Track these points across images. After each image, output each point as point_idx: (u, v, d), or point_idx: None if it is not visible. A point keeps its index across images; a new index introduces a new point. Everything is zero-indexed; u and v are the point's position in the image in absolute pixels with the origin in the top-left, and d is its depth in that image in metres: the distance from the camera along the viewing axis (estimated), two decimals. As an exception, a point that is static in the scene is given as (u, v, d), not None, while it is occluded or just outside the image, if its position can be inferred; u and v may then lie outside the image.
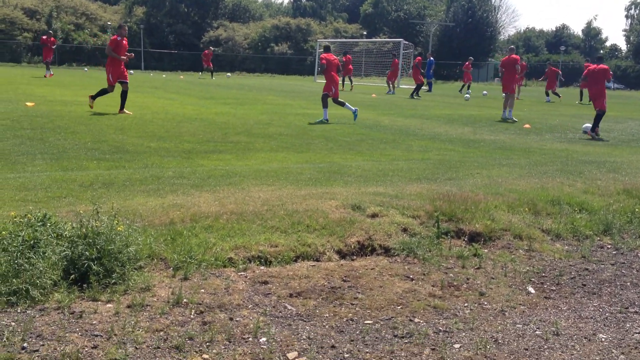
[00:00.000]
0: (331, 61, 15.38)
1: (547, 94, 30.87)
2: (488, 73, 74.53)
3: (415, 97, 27.84)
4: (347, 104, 15.65)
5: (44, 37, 30.55)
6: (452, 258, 5.34)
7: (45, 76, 30.38)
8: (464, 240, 5.79)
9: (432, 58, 35.33)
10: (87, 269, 4.14)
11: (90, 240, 4.27)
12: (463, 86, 35.17)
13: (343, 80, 37.33)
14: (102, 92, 14.58)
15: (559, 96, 31.20)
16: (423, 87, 30.41)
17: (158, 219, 5.32)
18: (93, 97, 14.54)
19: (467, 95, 30.02)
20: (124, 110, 14.40)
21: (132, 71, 37.23)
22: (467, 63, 34.51)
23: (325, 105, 15.27)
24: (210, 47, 48.17)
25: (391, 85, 32.86)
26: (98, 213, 4.56)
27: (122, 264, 4.28)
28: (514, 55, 18.36)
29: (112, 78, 14.42)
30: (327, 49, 15.91)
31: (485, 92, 32.64)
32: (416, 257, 5.27)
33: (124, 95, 14.47)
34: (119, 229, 4.46)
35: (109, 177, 6.97)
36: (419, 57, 31.14)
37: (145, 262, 4.54)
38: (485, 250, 5.61)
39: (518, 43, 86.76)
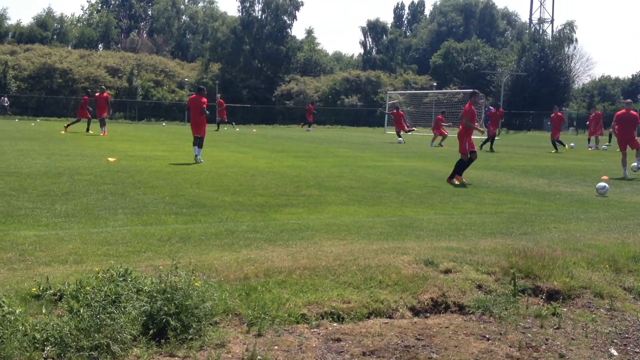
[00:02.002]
0: (191, 101, 16.74)
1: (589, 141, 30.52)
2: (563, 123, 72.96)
3: (486, 150, 27.40)
4: (200, 150, 16.33)
5: (97, 93, 29.22)
6: (529, 317, 5.18)
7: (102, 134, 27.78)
8: (541, 298, 5.62)
9: (490, 107, 34.68)
10: (165, 324, 4.24)
11: (169, 296, 4.39)
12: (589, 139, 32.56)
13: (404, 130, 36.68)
14: (460, 165, 13.66)
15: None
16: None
17: (233, 274, 5.42)
18: (460, 175, 13.51)
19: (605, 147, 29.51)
20: (454, 179, 13.39)
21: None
22: (591, 116, 32.41)
23: (199, 146, 16.28)
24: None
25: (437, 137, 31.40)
26: (177, 269, 4.69)
27: (198, 319, 4.37)
28: (633, 111, 16.18)
29: (469, 146, 13.88)
30: (199, 91, 17.02)
31: (572, 144, 31.63)
32: (492, 316, 5.15)
33: (464, 165, 13.70)
34: (196, 284, 4.58)
35: (186, 232, 7.17)
36: (493, 108, 30.38)
37: (220, 317, 4.62)
38: (565, 309, 5.43)
39: (593, 92, 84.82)
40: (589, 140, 31.93)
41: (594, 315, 5.32)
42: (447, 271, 5.89)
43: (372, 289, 5.34)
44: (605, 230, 8.04)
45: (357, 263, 5.85)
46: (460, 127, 14.12)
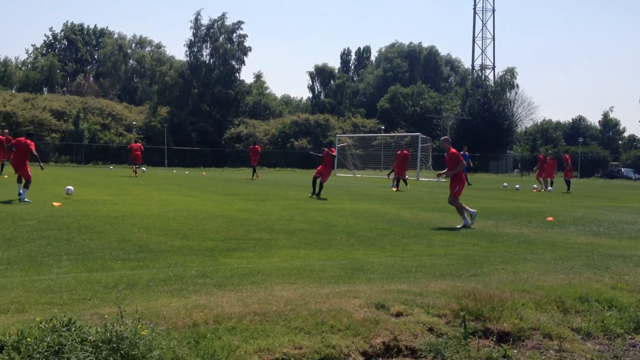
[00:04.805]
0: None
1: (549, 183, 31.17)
2: (507, 165, 74.90)
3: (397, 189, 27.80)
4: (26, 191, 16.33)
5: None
6: (480, 360, 5.21)
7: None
8: (492, 340, 5.66)
9: (466, 152, 35.53)
10: (110, 375, 4.10)
11: (115, 345, 4.26)
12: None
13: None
14: None
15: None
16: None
17: (181, 321, 5.29)
18: None
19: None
20: None
21: (144, 168, 37.75)
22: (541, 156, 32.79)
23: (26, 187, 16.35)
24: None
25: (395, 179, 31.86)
26: (122, 317, 4.56)
27: (145, 369, 4.24)
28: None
29: None
30: (28, 136, 17.27)
31: (517, 186, 33.06)
32: (444, 359, 5.15)
33: None
34: (142, 333, 4.45)
35: (133, 278, 7.00)
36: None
37: (168, 366, 4.48)
38: (515, 351, 5.47)
39: (536, 135, 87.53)
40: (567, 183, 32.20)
41: (543, 357, 5.37)
42: (398, 314, 5.89)
43: (323, 333, 5.28)
44: (551, 271, 8.19)
45: (308, 308, 5.80)
46: None
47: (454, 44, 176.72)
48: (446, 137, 15.18)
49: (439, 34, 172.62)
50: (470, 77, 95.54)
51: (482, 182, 42.95)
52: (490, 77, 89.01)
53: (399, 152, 30.55)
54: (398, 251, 9.76)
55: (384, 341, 5.35)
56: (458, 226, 13.48)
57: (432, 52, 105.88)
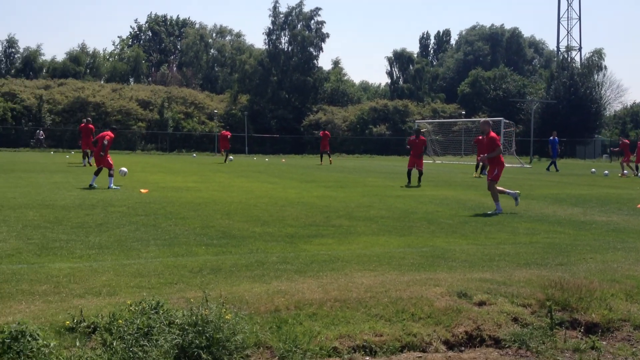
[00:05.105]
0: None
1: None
2: (595, 150, 72.00)
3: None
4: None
5: (82, 124, 28.44)
6: (567, 351, 5.05)
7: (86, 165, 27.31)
8: (579, 331, 5.48)
9: (556, 138, 34.80)
10: (197, 358, 4.23)
11: (200, 329, 4.39)
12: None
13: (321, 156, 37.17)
14: None
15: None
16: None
17: (263, 306, 5.39)
18: None
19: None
20: None
21: (231, 157, 38.54)
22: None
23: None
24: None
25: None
26: (207, 301, 4.68)
27: (230, 352, 4.35)
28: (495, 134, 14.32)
29: None
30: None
31: (606, 172, 32.03)
32: (529, 350, 5.03)
33: None
34: (226, 317, 4.56)
35: (217, 263, 7.18)
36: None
37: (251, 350, 4.58)
38: (604, 343, 5.28)
39: (625, 119, 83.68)
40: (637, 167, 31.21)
41: (634, 349, 5.16)
42: (481, 303, 5.79)
43: (404, 321, 5.26)
44: (643, 261, 7.84)
45: (388, 295, 5.79)
46: None
47: (538, 25, 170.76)
48: (487, 119, 14.87)
49: (522, 15, 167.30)
50: (555, 59, 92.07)
51: (569, 168, 41.54)
52: (577, 58, 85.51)
53: (480, 137, 29.82)
54: (480, 239, 9.58)
55: (467, 330, 5.28)
56: (489, 212, 13.01)
57: (514, 34, 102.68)
